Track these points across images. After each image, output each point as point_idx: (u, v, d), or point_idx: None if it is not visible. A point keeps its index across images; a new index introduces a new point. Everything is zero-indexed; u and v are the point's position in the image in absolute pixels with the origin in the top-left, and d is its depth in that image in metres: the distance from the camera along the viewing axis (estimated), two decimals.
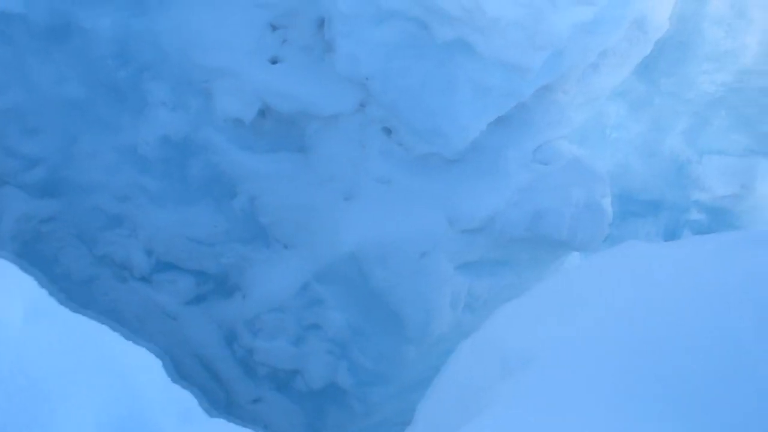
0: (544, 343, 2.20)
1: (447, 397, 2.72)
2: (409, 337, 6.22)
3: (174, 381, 2.12)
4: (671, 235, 8.72)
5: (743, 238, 2.81)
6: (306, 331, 6.89)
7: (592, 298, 2.46)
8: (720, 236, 3.15)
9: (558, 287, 2.83)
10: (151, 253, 7.40)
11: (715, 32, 7.60)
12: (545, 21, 4.81)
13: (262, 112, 6.61)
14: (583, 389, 1.91)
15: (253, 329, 7.18)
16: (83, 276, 7.56)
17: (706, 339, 1.97)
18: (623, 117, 8.23)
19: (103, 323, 2.08)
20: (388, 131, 6.17)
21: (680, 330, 2.03)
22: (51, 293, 1.99)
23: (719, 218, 8.60)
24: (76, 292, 7.25)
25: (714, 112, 8.28)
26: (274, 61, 6.55)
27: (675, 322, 2.07)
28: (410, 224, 5.92)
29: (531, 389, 1.98)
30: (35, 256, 7.20)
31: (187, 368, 7.75)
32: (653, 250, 2.84)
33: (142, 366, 1.99)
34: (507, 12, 4.82)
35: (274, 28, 6.55)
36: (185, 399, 2.09)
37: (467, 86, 5.43)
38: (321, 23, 6.28)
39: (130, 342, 2.09)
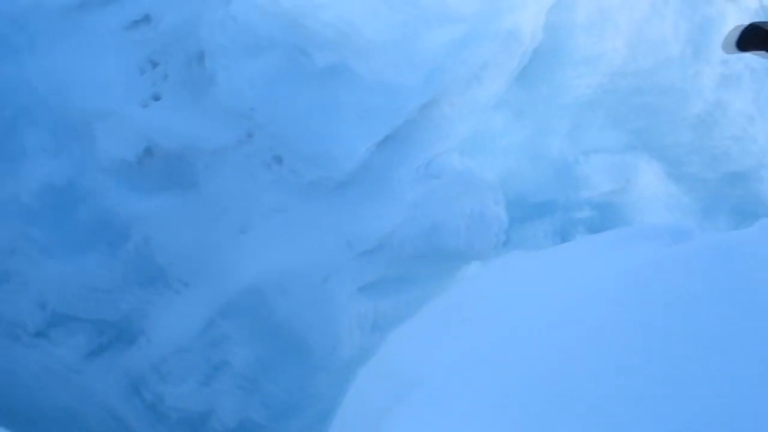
0: (433, 365, 2.23)
1: (347, 426, 2.71)
2: (319, 365, 6.17)
3: None
4: (566, 233, 9.02)
5: (619, 237, 2.94)
6: (215, 369, 6.73)
7: (477, 314, 2.51)
8: (595, 238, 3.29)
9: (445, 305, 2.87)
10: (44, 306, 7.07)
11: (586, 38, 7.96)
12: (420, 40, 4.92)
13: (149, 151, 6.46)
14: (469, 410, 1.93)
15: (161, 374, 6.96)
16: None
17: (587, 347, 2.02)
18: (509, 124, 8.48)
19: None
20: (278, 159, 6.14)
21: (560, 339, 2.09)
22: None
23: (609, 213, 8.96)
24: None
25: (592, 113, 8.64)
26: (156, 98, 6.42)
27: (556, 332, 2.13)
28: (309, 251, 5.89)
29: (418, 413, 2.00)
30: None
31: (96, 424, 7.44)
32: (535, 259, 2.92)
33: None
34: (382, 34, 4.90)
35: (154, 64, 6.43)
36: None
37: (351, 108, 5.47)
38: (201, 57, 6.20)
39: None
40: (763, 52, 3.49)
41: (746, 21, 7.04)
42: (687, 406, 1.67)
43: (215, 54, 5.83)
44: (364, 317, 6.13)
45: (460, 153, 6.99)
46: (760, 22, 3.49)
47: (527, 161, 8.76)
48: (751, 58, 7.69)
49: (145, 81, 6.36)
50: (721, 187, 9.00)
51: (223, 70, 5.80)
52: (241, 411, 6.71)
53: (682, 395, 1.70)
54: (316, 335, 6.05)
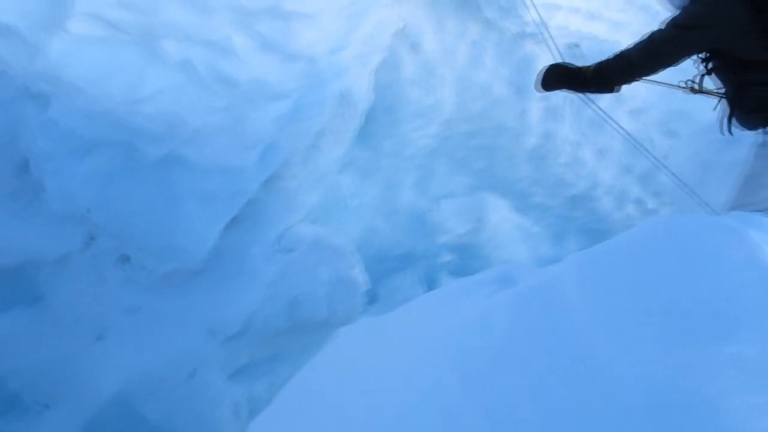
0: None
1: None
2: None
3: None
4: (431, 280, 9.22)
5: (454, 289, 3.04)
6: None
7: (327, 389, 2.51)
8: (434, 294, 3.39)
9: (297, 386, 2.85)
10: None
11: (416, 92, 8.29)
12: (248, 120, 4.94)
13: None
14: None
15: None
16: None
17: (423, 406, 2.06)
18: (357, 185, 8.64)
19: None
20: (125, 258, 5.93)
21: (400, 402, 2.12)
22: None
23: (467, 254, 9.26)
24: None
25: (435, 161, 8.98)
26: None
27: (397, 397, 2.17)
28: (171, 347, 5.68)
29: None
30: None
31: None
32: (380, 324, 2.97)
33: None
34: (209, 120, 4.89)
35: None
36: None
37: (191, 197, 5.39)
38: (26, 165, 5.94)
39: None
40: (565, 89, 3.76)
41: (553, 60, 7.59)
42: None
43: (40, 160, 5.59)
44: (239, 404, 5.95)
45: (311, 222, 7.04)
46: (558, 63, 3.77)
47: (381, 217, 8.94)
48: (569, 93, 8.28)
49: None
50: (564, 212, 9.54)
51: (51, 176, 5.56)
52: None
53: None
54: None
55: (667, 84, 4.21)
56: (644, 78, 3.48)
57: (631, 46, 3.42)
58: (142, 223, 5.50)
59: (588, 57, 8.04)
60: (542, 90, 3.83)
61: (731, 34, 3.16)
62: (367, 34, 6.99)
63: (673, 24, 3.29)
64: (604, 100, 8.04)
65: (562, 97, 8.47)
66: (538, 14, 5.99)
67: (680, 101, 8.56)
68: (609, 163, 8.96)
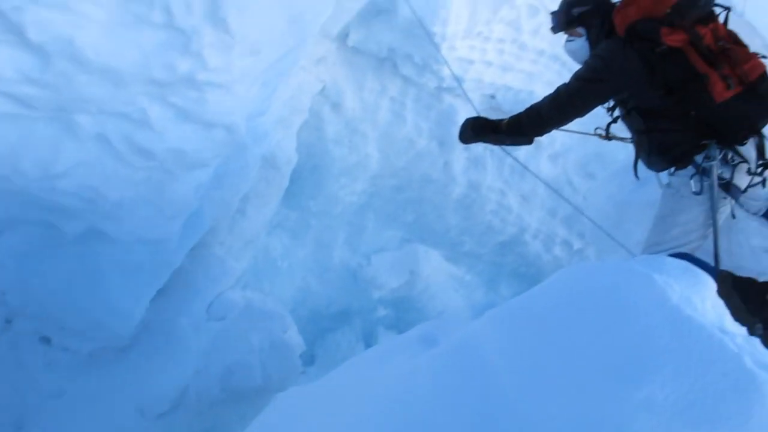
0: None
1: None
2: None
3: None
4: (368, 336, 9.18)
5: (381, 352, 3.03)
6: None
7: None
8: (362, 357, 3.37)
9: None
10: None
11: (340, 151, 8.37)
12: (168, 191, 4.87)
13: None
14: None
15: None
16: None
17: None
18: (287, 247, 8.61)
19: None
20: (46, 340, 5.68)
21: None
22: None
23: (402, 307, 9.27)
24: None
25: (364, 217, 9.03)
26: None
27: None
28: (99, 430, 5.43)
29: None
30: None
31: None
32: (304, 392, 2.94)
33: None
34: (128, 192, 4.80)
35: None
36: None
37: (114, 271, 5.24)
38: None
39: None
40: (483, 142, 3.87)
41: (472, 112, 7.79)
42: None
43: None
44: None
45: (242, 288, 6.94)
46: (475, 117, 3.88)
47: (314, 277, 8.90)
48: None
49: None
50: (495, 258, 9.68)
51: None
52: None
53: None
54: None
55: (581, 132, 4.39)
56: (557, 128, 3.61)
57: (542, 99, 3.56)
58: (62, 301, 5.31)
59: (504, 107, 8.30)
60: (466, 143, 3.94)
61: (629, 86, 3.34)
62: (287, 97, 7.06)
63: (576, 77, 3.45)
64: (521, 147, 8.29)
65: (483, 147, 8.67)
66: (451, 70, 6.17)
67: (596, 145, 8.83)
68: (534, 207, 9.17)
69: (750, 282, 3.29)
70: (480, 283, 9.81)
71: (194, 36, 4.22)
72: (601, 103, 3.53)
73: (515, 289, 9.59)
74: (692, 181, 3.36)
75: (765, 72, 3.27)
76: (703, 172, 3.36)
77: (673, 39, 3.22)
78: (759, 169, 3.40)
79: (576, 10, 3.64)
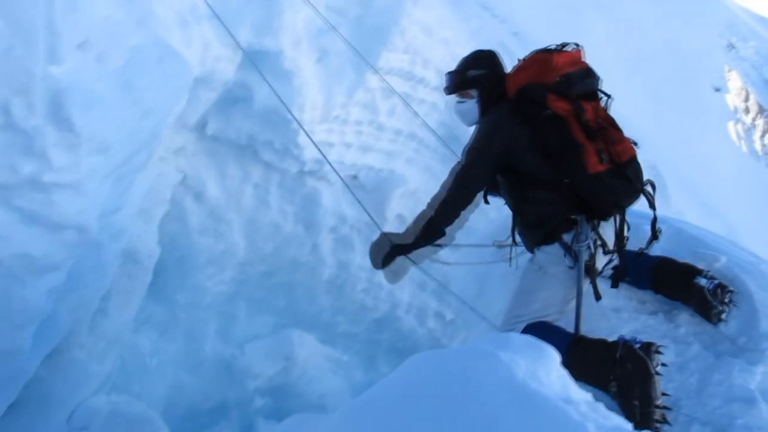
0: None
1: None
2: None
3: None
4: (248, 428, 8.86)
5: None
6: None
7: None
8: None
9: None
10: None
11: (204, 240, 8.22)
12: (16, 299, 4.58)
13: None
14: None
15: None
16: None
17: None
18: (156, 343, 8.26)
19: None
20: None
21: None
22: None
23: (281, 394, 9.04)
24: None
25: (234, 306, 8.84)
26: None
27: None
28: None
29: None
30: None
31: None
32: None
33: None
34: None
35: None
36: None
37: None
38: None
39: None
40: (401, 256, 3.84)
41: (336, 194, 7.87)
42: None
43: None
44: None
45: (107, 392, 6.56)
46: (378, 239, 3.89)
47: (186, 372, 8.56)
48: (356, 223, 8.60)
49: None
50: (370, 336, 9.70)
51: None
52: None
53: None
54: None
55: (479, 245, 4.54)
56: (465, 208, 3.66)
57: (439, 190, 3.65)
58: None
59: (367, 186, 8.49)
60: (381, 267, 3.90)
61: (517, 149, 3.52)
62: (146, 189, 6.90)
63: (468, 150, 3.60)
64: (388, 224, 8.47)
65: (349, 227, 8.80)
66: (321, 151, 6.27)
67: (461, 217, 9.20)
68: (404, 282, 9.28)
69: (601, 343, 3.47)
70: (358, 363, 9.77)
71: (37, 136, 4.08)
72: (497, 170, 3.64)
73: (394, 365, 9.56)
74: (566, 260, 3.55)
75: (635, 156, 3.57)
76: (569, 251, 3.56)
77: (559, 106, 3.46)
78: (615, 249, 3.67)
79: (471, 73, 3.82)
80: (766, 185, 27.24)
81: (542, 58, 3.60)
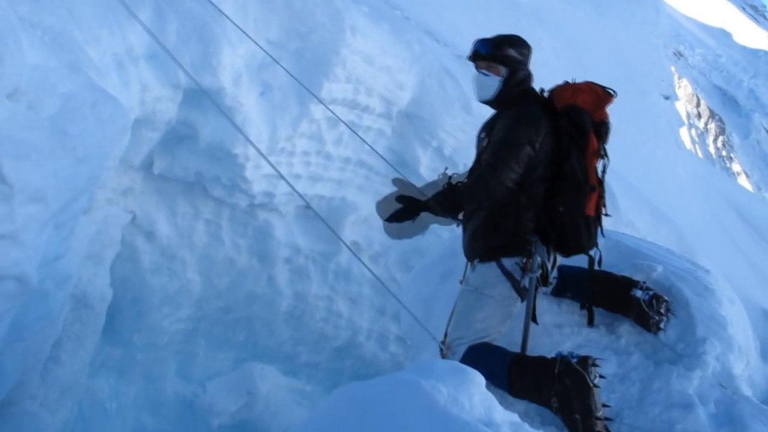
0: None
1: None
2: None
3: None
4: None
5: None
6: None
7: None
8: None
9: None
10: None
11: (158, 279, 8.17)
12: None
13: None
14: None
15: None
16: None
17: None
18: (114, 386, 8.17)
19: None
20: None
21: None
22: None
23: (245, 430, 8.98)
24: None
25: (193, 343, 8.78)
26: None
27: None
28: None
29: None
30: None
31: None
32: None
33: None
34: None
35: None
36: None
37: None
38: None
39: None
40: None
41: (289, 225, 7.88)
42: None
43: None
44: None
45: None
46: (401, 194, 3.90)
47: (148, 414, 8.47)
48: (310, 253, 8.61)
49: None
50: (332, 364, 9.69)
51: None
52: None
53: None
54: None
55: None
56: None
57: (470, 177, 3.60)
58: None
59: (320, 215, 8.50)
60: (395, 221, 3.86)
61: (542, 154, 3.54)
62: (93, 233, 6.86)
63: (514, 119, 3.56)
64: (342, 252, 8.50)
65: (304, 257, 8.80)
66: (291, 185, 6.27)
67: (413, 239, 9.25)
68: (363, 309, 9.33)
69: (540, 360, 3.53)
70: (322, 392, 9.73)
71: None
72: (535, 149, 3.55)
73: None
74: (505, 284, 3.61)
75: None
76: (506, 273, 3.62)
77: (594, 143, 3.55)
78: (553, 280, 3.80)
79: (511, 52, 3.71)
80: (721, 188, 27.89)
81: (598, 92, 3.63)
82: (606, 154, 3.67)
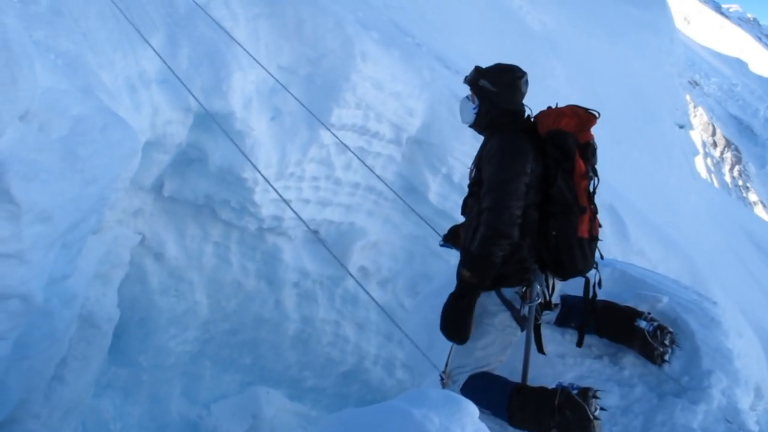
0: None
1: None
2: None
3: None
4: None
5: None
6: None
7: None
8: None
9: None
10: None
11: (166, 300, 8.20)
12: None
13: None
14: None
15: None
16: None
17: None
18: (120, 406, 8.16)
19: None
20: None
21: None
22: None
23: None
24: None
25: (199, 365, 8.78)
26: None
27: None
28: None
29: None
30: None
31: None
32: None
33: None
34: None
35: None
36: None
37: None
38: None
39: None
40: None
41: (297, 249, 7.87)
42: None
43: None
44: None
45: None
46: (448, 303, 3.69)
47: None
48: (318, 277, 8.60)
49: None
50: (339, 389, 9.64)
51: None
52: None
53: None
54: None
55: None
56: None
57: (473, 235, 3.51)
58: None
59: (328, 240, 8.53)
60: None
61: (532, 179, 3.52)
62: (103, 253, 6.90)
63: (501, 152, 3.53)
64: (350, 277, 8.48)
65: (312, 281, 8.81)
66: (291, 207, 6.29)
67: (422, 266, 9.26)
68: (370, 334, 9.30)
69: (541, 390, 3.51)
70: None
71: None
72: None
73: None
74: (505, 314, 3.59)
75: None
76: (505, 302, 3.61)
77: (580, 165, 3.54)
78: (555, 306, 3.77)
79: (482, 83, 3.73)
80: (737, 218, 27.68)
81: (581, 114, 3.62)
82: (596, 174, 3.66)
